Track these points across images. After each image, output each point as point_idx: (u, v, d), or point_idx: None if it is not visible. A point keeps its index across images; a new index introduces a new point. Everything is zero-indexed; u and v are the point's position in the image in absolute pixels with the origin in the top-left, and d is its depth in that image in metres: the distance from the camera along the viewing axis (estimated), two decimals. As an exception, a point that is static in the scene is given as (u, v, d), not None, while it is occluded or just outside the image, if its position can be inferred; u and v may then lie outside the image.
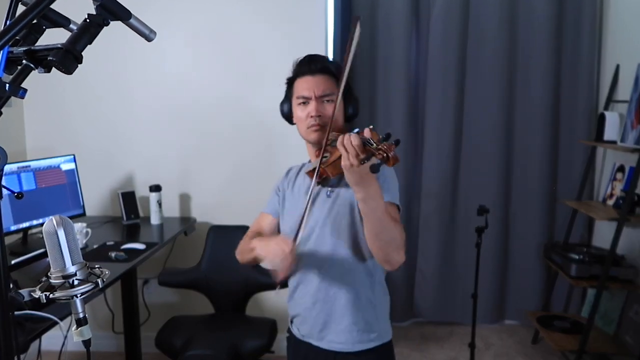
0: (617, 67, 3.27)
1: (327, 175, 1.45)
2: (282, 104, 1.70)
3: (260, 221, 1.77)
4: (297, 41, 3.20)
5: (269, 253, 1.46)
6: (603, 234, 3.41)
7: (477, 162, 3.66)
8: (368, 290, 1.60)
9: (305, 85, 1.58)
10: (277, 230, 1.74)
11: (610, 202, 3.17)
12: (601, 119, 3.15)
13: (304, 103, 1.58)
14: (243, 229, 2.87)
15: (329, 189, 1.59)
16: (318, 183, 1.53)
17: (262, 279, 2.88)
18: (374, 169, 1.16)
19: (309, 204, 1.49)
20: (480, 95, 3.60)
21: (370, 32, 3.63)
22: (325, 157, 1.45)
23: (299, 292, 1.66)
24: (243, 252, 1.67)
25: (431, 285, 3.81)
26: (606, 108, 3.29)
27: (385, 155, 1.15)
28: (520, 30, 3.56)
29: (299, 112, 1.60)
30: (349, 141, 1.21)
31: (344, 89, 1.57)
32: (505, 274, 3.82)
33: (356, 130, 1.29)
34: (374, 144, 1.19)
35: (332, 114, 1.51)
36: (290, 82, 1.66)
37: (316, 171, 1.46)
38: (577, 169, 3.56)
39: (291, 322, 1.77)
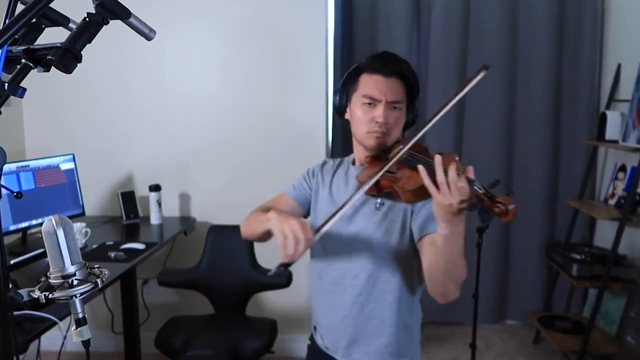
0: (619, 66, 3.25)
1: (398, 197, 1.33)
2: (337, 93, 1.56)
3: (278, 200, 1.66)
4: (297, 39, 3.19)
5: (286, 229, 1.28)
6: (604, 234, 3.39)
7: (478, 161, 3.61)
8: (406, 312, 1.50)
9: (376, 85, 1.44)
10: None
11: (612, 201, 3.15)
12: (602, 118, 3.14)
13: (369, 104, 1.45)
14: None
15: (378, 200, 1.47)
16: (373, 195, 1.43)
17: (262, 278, 2.87)
18: (485, 221, 1.06)
19: (348, 204, 1.35)
20: (481, 94, 3.57)
21: (371, 31, 3.62)
22: (392, 173, 1.34)
23: (330, 301, 1.55)
24: (252, 222, 1.54)
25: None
26: (608, 107, 3.27)
27: (504, 209, 1.05)
28: (521, 30, 3.54)
29: (360, 112, 1.46)
30: (454, 182, 1.08)
31: (412, 95, 1.49)
32: (507, 274, 3.80)
33: (439, 153, 1.17)
34: (482, 190, 1.09)
35: (397, 122, 1.45)
36: (356, 74, 1.50)
37: (369, 182, 1.33)
38: (579, 169, 3.54)
39: (315, 328, 1.68)
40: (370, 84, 1.45)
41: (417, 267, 1.44)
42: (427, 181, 1.14)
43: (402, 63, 1.47)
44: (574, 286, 3.52)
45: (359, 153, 1.56)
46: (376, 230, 1.46)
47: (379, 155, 1.48)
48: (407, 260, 1.46)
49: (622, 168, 3.16)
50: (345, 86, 1.54)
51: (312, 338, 1.70)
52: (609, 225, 3.26)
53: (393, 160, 1.33)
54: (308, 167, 1.70)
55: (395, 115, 1.46)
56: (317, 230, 1.33)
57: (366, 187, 1.34)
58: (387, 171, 1.34)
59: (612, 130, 3.08)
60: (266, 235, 1.46)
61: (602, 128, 3.12)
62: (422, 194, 1.22)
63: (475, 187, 1.10)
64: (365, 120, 1.45)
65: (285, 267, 1.30)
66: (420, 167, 1.16)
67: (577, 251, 3.16)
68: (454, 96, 1.30)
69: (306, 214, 1.66)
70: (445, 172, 1.12)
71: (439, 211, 1.15)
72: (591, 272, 2.98)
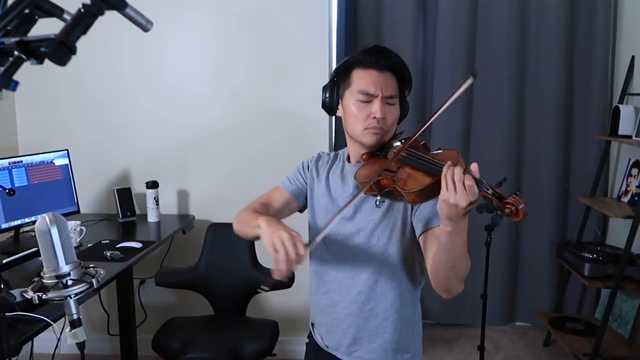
0: (633, 59, 3.21)
1: (401, 197, 1.31)
2: (326, 90, 1.53)
3: (273, 195, 1.65)
4: (299, 31, 3.14)
5: (276, 242, 1.24)
6: (618, 232, 3.36)
7: (487, 157, 3.59)
8: (408, 308, 1.51)
9: (371, 81, 1.42)
10: (286, 211, 1.62)
11: (625, 199, 3.13)
12: (616, 112, 3.11)
13: (365, 100, 1.42)
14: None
15: (379, 198, 1.45)
16: (373, 194, 1.40)
17: (263, 278, 2.82)
18: (496, 223, 1.07)
19: (345, 209, 1.35)
20: (490, 88, 3.54)
21: (375, 22, 3.57)
22: (392, 172, 1.33)
23: (329, 299, 1.55)
24: (244, 223, 1.51)
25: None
26: (621, 101, 3.24)
27: (514, 209, 1.05)
28: (531, 20, 3.49)
29: (355, 108, 1.44)
30: (461, 180, 1.08)
31: (404, 89, 1.49)
32: (516, 274, 3.78)
33: (438, 149, 1.18)
34: (491, 190, 1.09)
35: (393, 117, 1.45)
36: (347, 70, 1.47)
37: (367, 182, 1.34)
38: (591, 165, 3.51)
39: (312, 325, 1.67)
40: (365, 79, 1.43)
41: (419, 263, 1.48)
42: (450, 184, 1.12)
43: (395, 57, 1.46)
44: (585, 286, 3.50)
45: (355, 150, 1.54)
46: (377, 228, 1.45)
47: (376, 152, 1.48)
48: (408, 257, 1.46)
49: (636, 164, 3.13)
50: (335, 82, 1.52)
51: (310, 336, 1.71)
52: (622, 223, 3.22)
53: (392, 159, 1.33)
54: (302, 160, 1.70)
55: (391, 110, 1.45)
56: (310, 242, 1.32)
57: (366, 188, 1.34)
58: (387, 169, 1.34)
59: (626, 124, 3.06)
60: (257, 239, 1.44)
61: (615, 122, 3.10)
62: (426, 194, 1.23)
63: (483, 188, 1.10)
64: (361, 117, 1.44)
65: (278, 282, 1.28)
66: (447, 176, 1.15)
67: (589, 250, 3.13)
68: (445, 101, 1.30)
69: (302, 207, 1.66)
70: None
71: (443, 208, 1.12)
72: (604, 271, 2.96)
